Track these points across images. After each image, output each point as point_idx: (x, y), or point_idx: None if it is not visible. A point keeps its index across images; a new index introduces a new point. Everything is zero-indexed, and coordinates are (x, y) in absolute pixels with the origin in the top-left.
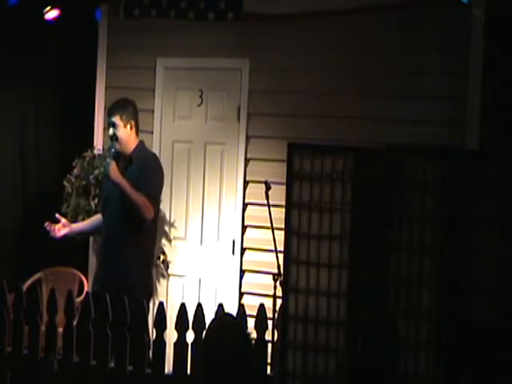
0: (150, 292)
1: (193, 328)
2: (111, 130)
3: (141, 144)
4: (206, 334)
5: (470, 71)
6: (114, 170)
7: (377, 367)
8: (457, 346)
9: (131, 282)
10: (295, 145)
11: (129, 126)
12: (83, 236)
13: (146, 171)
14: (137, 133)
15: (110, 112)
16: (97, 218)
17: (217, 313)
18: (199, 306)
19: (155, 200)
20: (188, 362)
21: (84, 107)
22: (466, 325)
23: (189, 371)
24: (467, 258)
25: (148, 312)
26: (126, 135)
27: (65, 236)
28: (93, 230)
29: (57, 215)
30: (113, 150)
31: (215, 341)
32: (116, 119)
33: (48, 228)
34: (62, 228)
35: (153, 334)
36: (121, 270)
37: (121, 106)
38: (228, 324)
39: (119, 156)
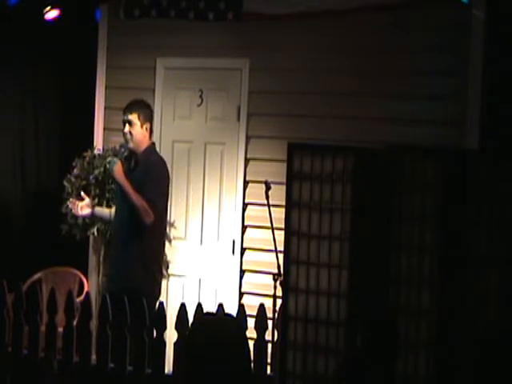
0: (155, 295)
1: None
2: (127, 128)
3: (151, 147)
4: (190, 331)
5: (469, 71)
6: (118, 169)
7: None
8: (457, 346)
9: (134, 286)
10: (295, 145)
11: (145, 127)
12: (103, 221)
13: (151, 176)
14: (149, 136)
15: (128, 110)
16: None
17: (216, 313)
18: (199, 305)
19: (155, 205)
20: None
21: (84, 107)
22: (466, 325)
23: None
24: (467, 257)
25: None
26: (141, 135)
27: (86, 216)
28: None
29: (82, 193)
30: (123, 149)
31: (199, 338)
32: (134, 117)
33: (71, 205)
34: (84, 207)
35: (153, 334)
36: (125, 273)
37: (140, 106)
38: (215, 321)
39: (131, 156)
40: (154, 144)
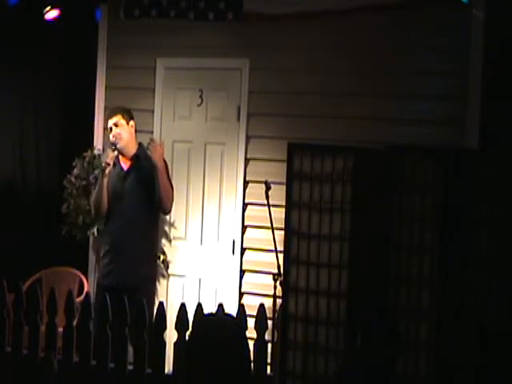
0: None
1: None
2: (114, 131)
3: (141, 144)
4: (190, 331)
5: (469, 71)
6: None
7: (375, 367)
8: (457, 346)
9: (146, 276)
10: (295, 145)
11: (130, 124)
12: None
13: (164, 166)
14: (135, 136)
15: (109, 115)
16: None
17: (216, 313)
18: (199, 305)
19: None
20: None
21: (84, 107)
22: (466, 325)
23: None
24: (467, 258)
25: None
26: (130, 134)
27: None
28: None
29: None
30: (113, 147)
31: (199, 338)
32: (118, 118)
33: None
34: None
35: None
36: (138, 264)
37: (120, 109)
38: (215, 321)
39: (117, 161)
40: (141, 143)
